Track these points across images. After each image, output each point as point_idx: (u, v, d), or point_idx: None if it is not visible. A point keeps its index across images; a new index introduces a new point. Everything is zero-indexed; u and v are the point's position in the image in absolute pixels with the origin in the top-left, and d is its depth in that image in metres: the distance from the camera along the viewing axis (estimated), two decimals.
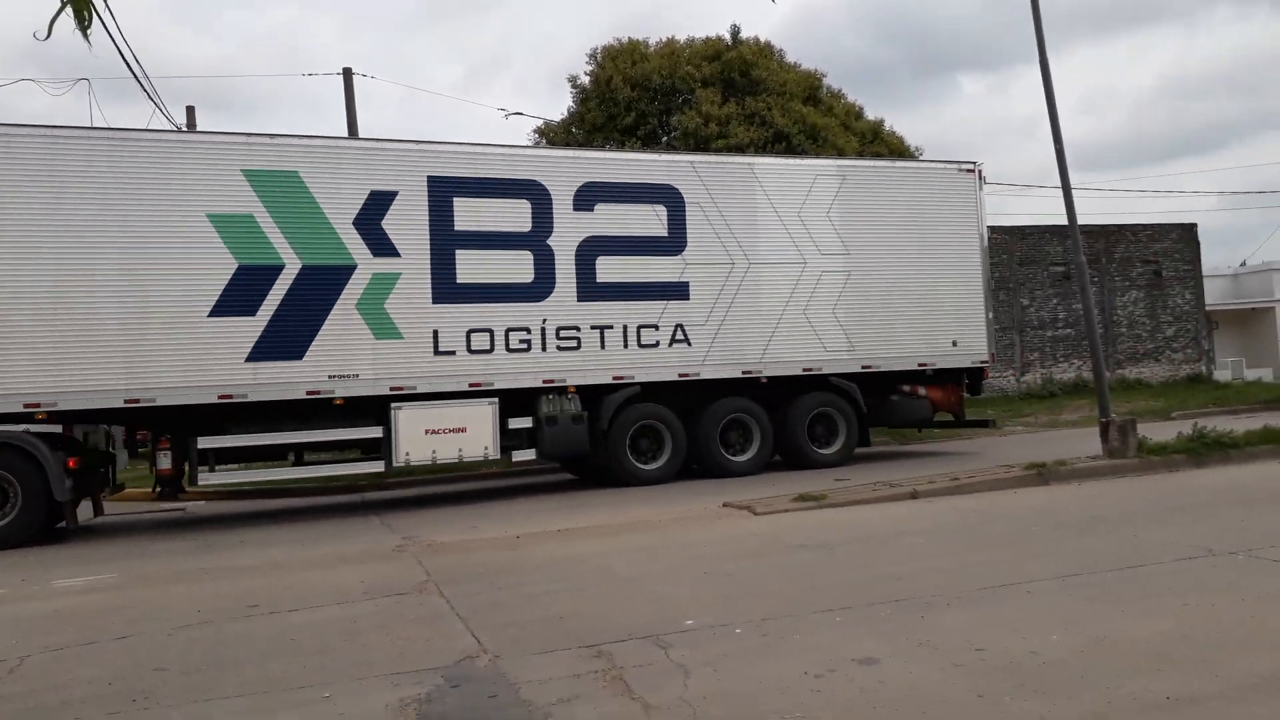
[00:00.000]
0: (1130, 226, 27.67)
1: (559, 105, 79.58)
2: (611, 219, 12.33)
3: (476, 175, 11.75)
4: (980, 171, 14.36)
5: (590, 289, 12.18)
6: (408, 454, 11.18)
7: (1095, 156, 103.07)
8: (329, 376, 10.86)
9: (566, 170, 12.23)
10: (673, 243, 12.64)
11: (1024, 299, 25.94)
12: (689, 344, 12.62)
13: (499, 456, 11.86)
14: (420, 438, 11.23)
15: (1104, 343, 22.95)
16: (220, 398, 10.47)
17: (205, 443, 10.63)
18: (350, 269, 11.05)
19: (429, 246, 11.42)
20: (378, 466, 11.53)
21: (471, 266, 11.64)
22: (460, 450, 11.43)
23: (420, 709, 4.08)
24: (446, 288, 11.50)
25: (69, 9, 2.83)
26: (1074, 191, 12.11)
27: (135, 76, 21.01)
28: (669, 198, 12.59)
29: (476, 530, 9.40)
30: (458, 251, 11.59)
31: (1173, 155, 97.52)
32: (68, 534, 10.42)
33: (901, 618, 5.08)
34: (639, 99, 20.00)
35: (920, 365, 13.83)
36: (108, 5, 2.86)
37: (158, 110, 32.24)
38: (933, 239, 13.93)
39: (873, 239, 13.55)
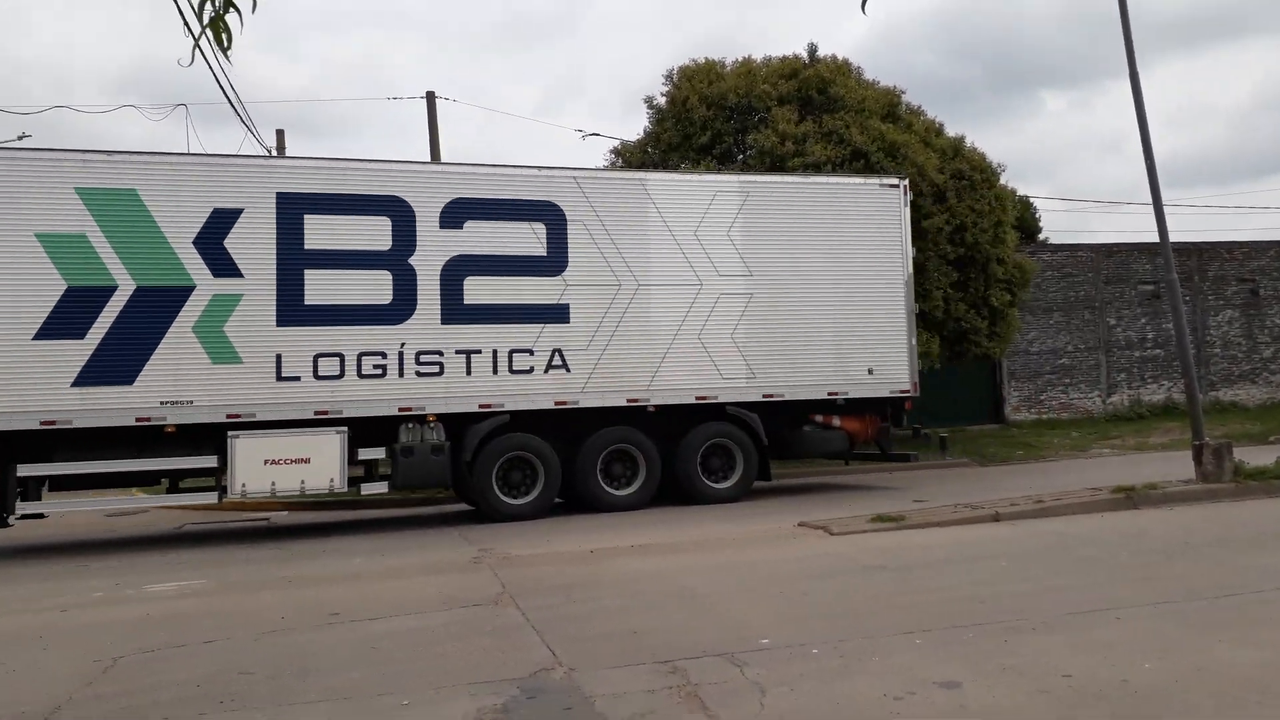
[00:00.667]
0: (1225, 243, 26.66)
1: (634, 126, 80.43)
2: (483, 237, 11.65)
3: (331, 191, 11.17)
4: (906, 188, 13.53)
5: (456, 311, 11.48)
6: (243, 485, 10.61)
7: (1188, 173, 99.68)
8: (161, 403, 10.42)
9: (433, 185, 11.59)
10: (552, 263, 11.87)
11: (1110, 318, 25.16)
12: (568, 370, 11.83)
13: (345, 489, 11.21)
14: (258, 468, 10.65)
15: (1197, 363, 22.09)
16: (42, 424, 10.10)
17: (26, 470, 10.24)
18: (188, 290, 10.59)
19: (275, 266, 10.87)
20: (210, 498, 11.07)
21: (322, 287, 11.04)
22: (303, 482, 10.81)
23: (497, 719, 4.11)
24: (293, 310, 10.93)
25: (209, 32, 2.95)
26: (1165, 207, 11.74)
27: (230, 102, 21.85)
28: (549, 215, 11.88)
29: (551, 544, 9.47)
30: (307, 271, 11.00)
31: (1272, 170, 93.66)
32: None
33: (984, 641, 4.94)
34: (715, 118, 20.01)
35: (830, 395, 12.82)
36: (241, 22, 2.96)
37: (249, 134, 33.39)
38: (849, 260, 12.96)
39: (779, 259, 12.67)
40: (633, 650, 5.14)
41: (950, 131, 21.50)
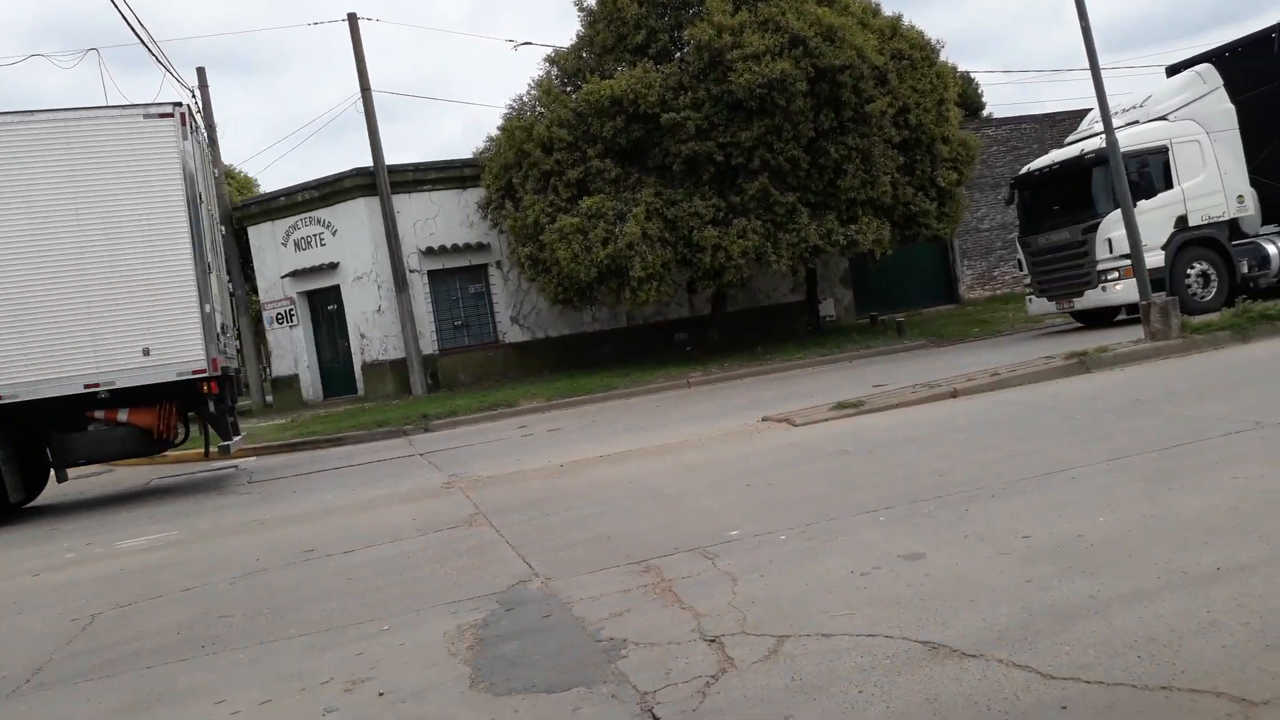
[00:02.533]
0: None
1: (568, 32, 78.08)
2: None
3: None
4: (188, 115, 10.80)
5: None
6: None
7: (1126, 36, 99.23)
8: None
9: None
10: None
11: None
12: None
13: None
14: None
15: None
16: None
17: None
18: None
19: None
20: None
21: None
22: None
23: (478, 633, 4.18)
24: None
25: None
26: (1103, 71, 11.72)
27: (143, 42, 20.85)
28: None
29: (521, 462, 9.53)
30: None
31: (1208, 28, 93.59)
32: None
33: (946, 513, 5.08)
34: (648, 15, 19.50)
35: (89, 388, 10.24)
36: None
37: (168, 74, 31.95)
38: (105, 214, 10.30)
39: None
40: (607, 554, 5.23)
41: (887, 11, 21.18)
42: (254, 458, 14.33)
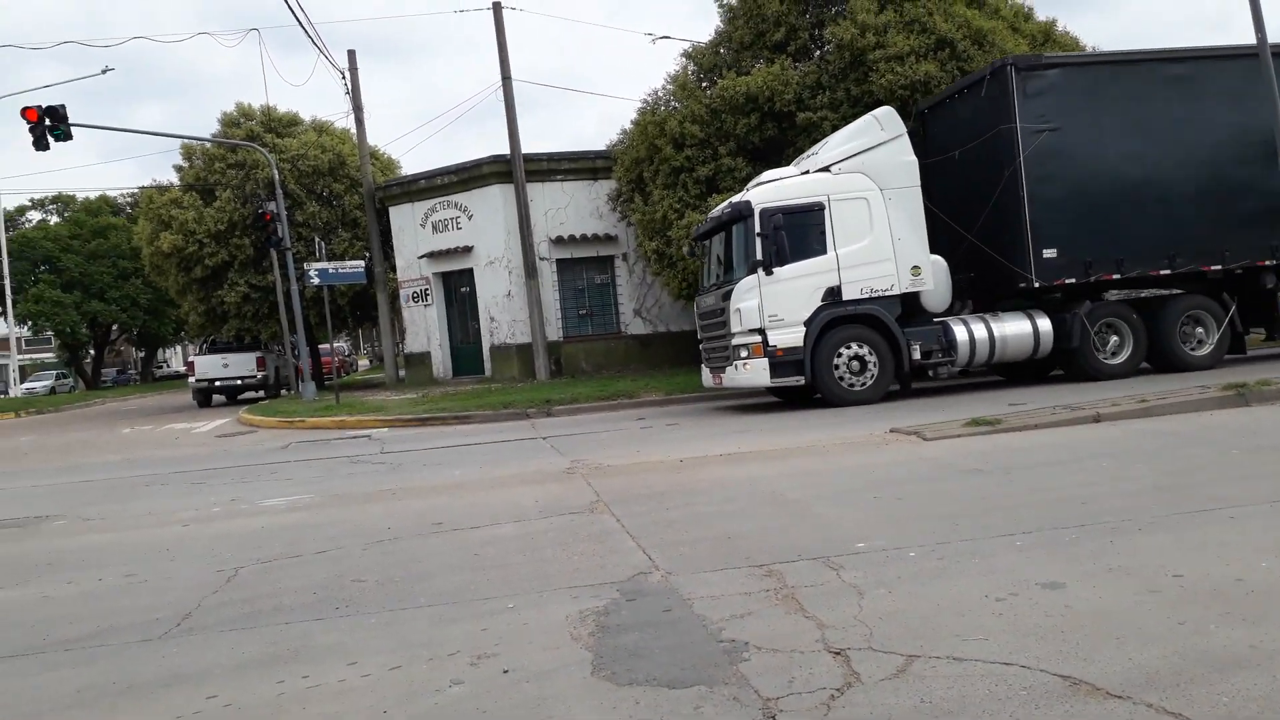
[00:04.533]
0: None
1: (704, 28, 77.92)
2: None
3: None
4: None
5: None
6: None
7: None
8: None
9: None
10: None
11: None
12: None
13: None
14: None
15: None
16: None
17: None
18: None
19: None
20: None
21: None
22: None
23: (599, 620, 4.22)
24: None
25: None
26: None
27: (300, 24, 21.88)
28: None
29: (641, 454, 9.58)
30: None
31: None
32: None
33: (1088, 543, 4.84)
34: (788, 13, 19.25)
35: None
36: None
37: (322, 56, 33.42)
38: None
39: None
40: (727, 554, 5.20)
41: (1041, 15, 20.33)
42: (386, 429, 14.90)
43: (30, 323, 49.12)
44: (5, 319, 43.81)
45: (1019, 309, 13.51)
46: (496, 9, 22.37)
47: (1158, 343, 13.45)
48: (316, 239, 23.91)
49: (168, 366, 74.35)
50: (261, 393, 28.44)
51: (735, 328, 12.71)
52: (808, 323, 12.43)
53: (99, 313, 49.18)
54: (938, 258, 13.21)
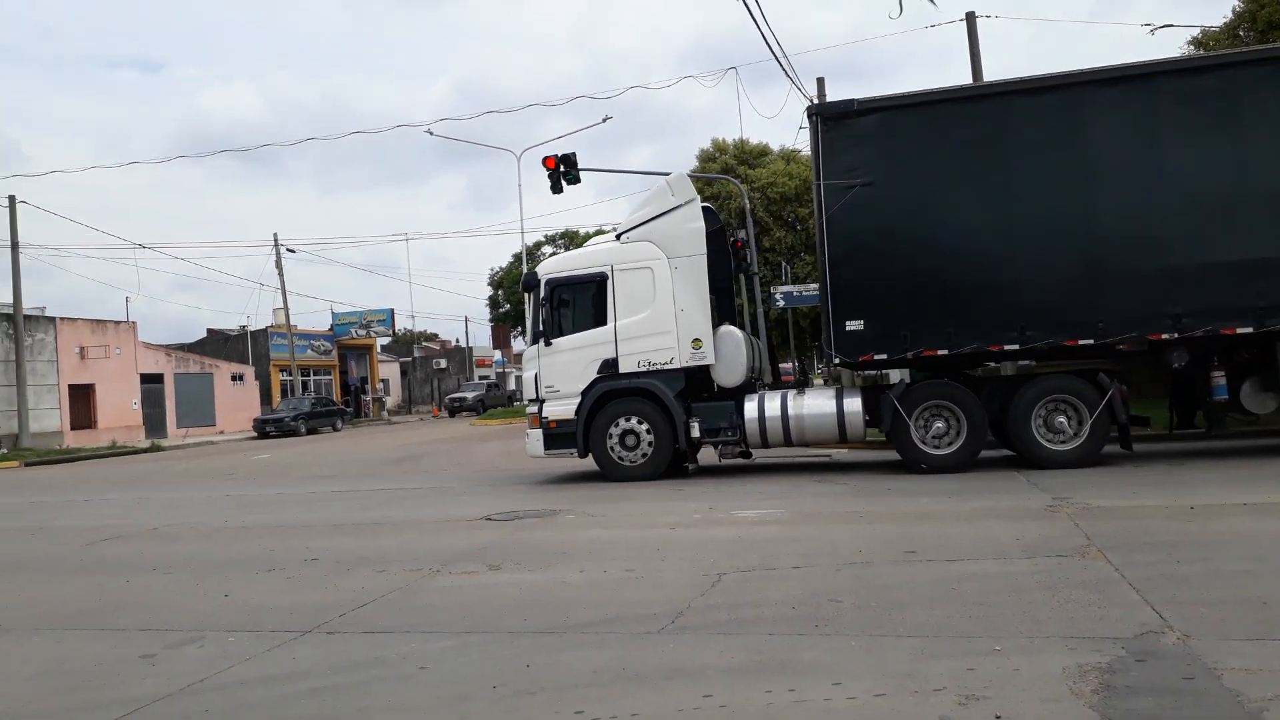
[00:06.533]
0: None
1: (1215, 12, 67.98)
2: None
3: None
4: None
5: None
6: None
7: None
8: None
9: None
10: None
11: None
12: None
13: None
14: None
15: None
16: None
17: None
18: None
19: None
20: None
21: None
22: None
23: (1103, 679, 3.81)
24: None
25: None
26: None
27: (775, 57, 22.98)
28: None
29: (1137, 496, 8.56)
30: None
31: None
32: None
33: None
34: None
35: None
36: None
37: (793, 87, 34.85)
38: None
39: None
40: (1263, 623, 4.41)
41: None
42: (846, 449, 15.01)
43: None
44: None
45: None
46: (970, 18, 21.58)
47: (1012, 430, 11.17)
48: (782, 263, 24.94)
49: None
50: None
51: (527, 396, 12.88)
52: (583, 394, 12.19)
53: None
54: (733, 329, 12.43)
